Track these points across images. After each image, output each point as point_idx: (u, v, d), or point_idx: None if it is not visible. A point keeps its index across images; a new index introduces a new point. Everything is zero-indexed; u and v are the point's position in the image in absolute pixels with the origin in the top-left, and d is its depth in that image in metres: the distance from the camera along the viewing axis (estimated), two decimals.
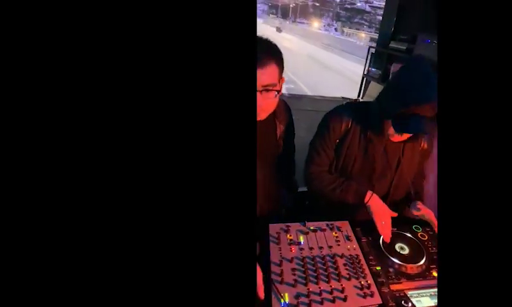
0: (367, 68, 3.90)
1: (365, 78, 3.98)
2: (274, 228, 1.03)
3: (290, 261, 0.90)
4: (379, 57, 3.82)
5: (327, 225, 1.09)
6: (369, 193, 1.12)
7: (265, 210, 1.21)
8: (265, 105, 0.97)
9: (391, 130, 1.04)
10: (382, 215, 1.08)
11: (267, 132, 1.13)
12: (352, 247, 1.00)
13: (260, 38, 0.94)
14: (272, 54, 0.94)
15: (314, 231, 1.05)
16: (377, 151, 1.14)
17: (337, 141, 1.18)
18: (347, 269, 0.91)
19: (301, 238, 1.00)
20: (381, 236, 1.05)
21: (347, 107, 1.19)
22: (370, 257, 0.97)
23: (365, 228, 1.09)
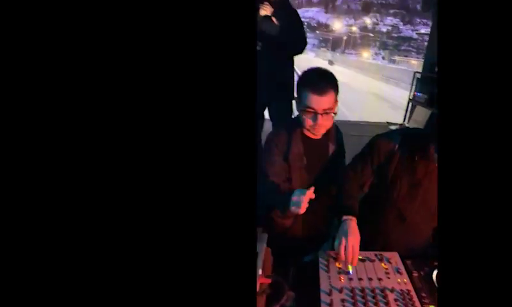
0: (412, 92, 3.82)
1: (410, 103, 3.88)
2: (323, 255, 1.03)
3: (340, 291, 0.89)
4: (425, 82, 3.73)
5: (376, 255, 1.06)
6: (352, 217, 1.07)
7: (313, 231, 1.23)
8: (324, 124, 1.14)
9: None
10: (355, 237, 1.02)
11: (320, 151, 1.23)
12: (403, 281, 0.97)
13: (321, 69, 1.15)
14: (332, 83, 1.11)
15: (363, 260, 1.04)
16: (422, 176, 1.11)
17: (381, 162, 1.17)
18: (398, 305, 0.88)
19: (350, 268, 0.99)
20: (435, 271, 1.01)
21: (395, 132, 1.20)
22: (423, 294, 0.93)
23: (415, 261, 1.05)
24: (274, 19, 2.00)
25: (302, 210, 1.01)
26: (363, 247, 1.02)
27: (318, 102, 1.08)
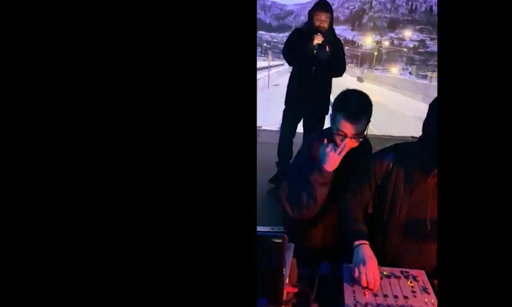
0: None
1: None
2: (347, 268, 1.03)
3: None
4: None
5: (401, 272, 1.05)
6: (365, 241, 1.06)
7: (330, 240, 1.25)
8: (350, 145, 1.17)
9: None
10: (373, 262, 1.00)
11: (348, 164, 1.23)
12: (431, 302, 0.95)
13: (357, 95, 1.19)
14: (365, 111, 1.17)
15: (388, 277, 1.02)
16: (423, 191, 1.07)
17: (377, 183, 1.15)
18: None
19: None
20: None
21: (388, 149, 1.17)
22: None
23: None
24: (327, 47, 2.47)
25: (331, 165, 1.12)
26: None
27: (350, 128, 1.13)
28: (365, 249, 1.03)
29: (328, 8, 2.52)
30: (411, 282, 1.02)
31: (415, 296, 0.96)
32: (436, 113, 0.98)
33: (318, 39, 2.45)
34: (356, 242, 1.05)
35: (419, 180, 1.08)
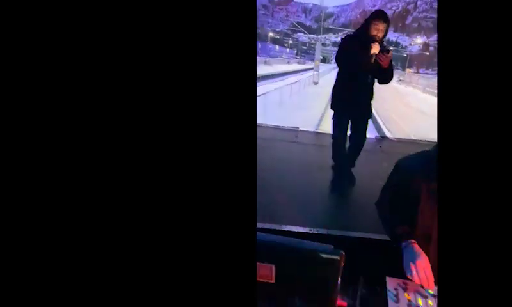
0: None
1: None
2: (391, 283, 0.98)
3: None
4: None
5: None
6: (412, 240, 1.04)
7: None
8: None
9: None
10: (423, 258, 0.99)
11: None
12: None
13: None
14: None
15: (434, 296, 0.96)
16: None
17: (405, 187, 1.11)
18: None
19: (420, 302, 0.93)
20: None
21: (416, 155, 1.14)
22: None
23: None
24: (387, 57, 2.53)
25: None
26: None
27: None
28: (415, 248, 1.02)
29: (386, 18, 2.57)
30: None
31: None
32: None
33: (375, 49, 2.51)
34: (404, 243, 1.04)
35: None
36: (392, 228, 1.11)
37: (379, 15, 2.55)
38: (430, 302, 0.93)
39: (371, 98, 2.76)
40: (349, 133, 2.86)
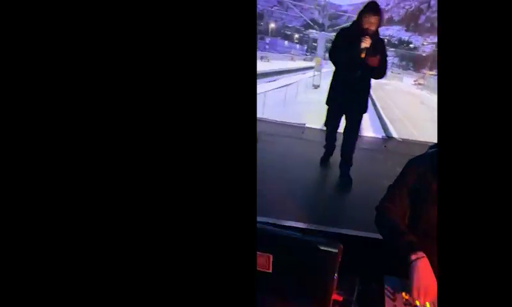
0: None
1: None
2: (389, 281, 0.97)
3: None
4: None
5: None
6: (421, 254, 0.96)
7: None
8: None
9: None
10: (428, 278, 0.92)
11: None
12: None
13: None
14: None
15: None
16: None
17: (415, 187, 1.08)
18: None
19: (418, 303, 0.92)
20: None
21: (427, 154, 1.10)
22: None
23: None
24: (374, 51, 2.44)
25: None
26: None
27: None
28: (422, 263, 0.94)
29: (378, 11, 2.45)
30: None
31: None
32: None
33: (366, 43, 2.40)
34: (413, 256, 0.96)
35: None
36: (399, 237, 1.03)
37: (371, 8, 2.43)
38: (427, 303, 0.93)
39: (367, 92, 2.67)
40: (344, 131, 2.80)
